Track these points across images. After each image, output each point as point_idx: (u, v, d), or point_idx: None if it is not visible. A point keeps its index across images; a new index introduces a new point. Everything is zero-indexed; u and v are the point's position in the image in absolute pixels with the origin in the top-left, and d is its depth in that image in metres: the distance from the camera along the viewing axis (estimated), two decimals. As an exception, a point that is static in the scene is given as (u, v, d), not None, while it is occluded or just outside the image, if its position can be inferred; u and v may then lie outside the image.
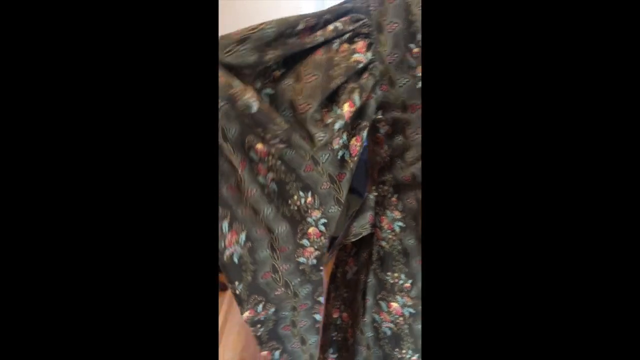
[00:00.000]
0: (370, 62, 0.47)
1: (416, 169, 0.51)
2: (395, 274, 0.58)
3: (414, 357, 0.60)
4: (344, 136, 0.51)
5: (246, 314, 0.55)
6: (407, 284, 0.58)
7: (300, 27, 0.47)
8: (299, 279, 0.56)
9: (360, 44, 0.47)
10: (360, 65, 0.47)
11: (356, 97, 0.47)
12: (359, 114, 0.50)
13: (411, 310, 0.58)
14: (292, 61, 0.49)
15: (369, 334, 0.61)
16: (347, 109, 0.47)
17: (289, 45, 0.47)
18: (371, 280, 0.60)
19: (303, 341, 0.61)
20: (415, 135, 0.49)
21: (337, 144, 0.51)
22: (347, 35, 0.47)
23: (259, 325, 0.57)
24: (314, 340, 0.62)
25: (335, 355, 0.70)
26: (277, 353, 0.60)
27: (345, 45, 0.47)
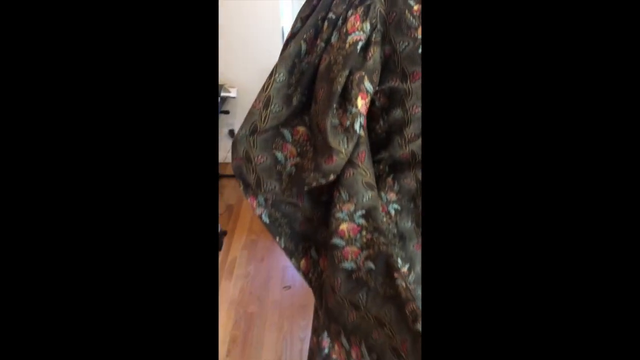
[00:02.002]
0: (372, 31, 0.40)
1: (416, 146, 0.46)
2: (392, 259, 0.54)
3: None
4: None
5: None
6: (404, 269, 0.54)
7: (304, 47, 0.44)
8: (363, 291, 0.46)
9: (353, 19, 0.39)
10: (360, 45, 0.40)
11: (366, 84, 0.41)
12: None
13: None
14: (311, 85, 0.45)
15: None
16: (361, 103, 0.41)
17: (304, 74, 0.44)
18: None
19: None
20: (416, 108, 0.43)
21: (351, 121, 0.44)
22: (341, 18, 0.40)
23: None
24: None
25: None
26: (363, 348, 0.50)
27: (343, 29, 0.40)
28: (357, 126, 0.42)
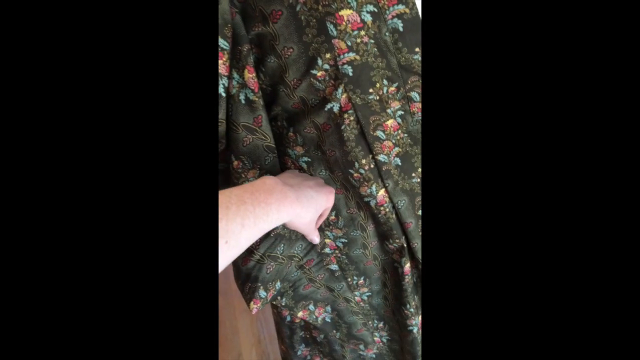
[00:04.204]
0: None
1: (303, 91, 0.43)
2: (318, 211, 0.53)
3: (360, 281, 0.59)
4: (234, 74, 0.41)
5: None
6: (332, 217, 0.54)
7: None
8: (283, 243, 0.49)
9: None
10: None
11: (220, 40, 0.37)
12: (234, 40, 0.39)
13: (343, 240, 0.55)
14: None
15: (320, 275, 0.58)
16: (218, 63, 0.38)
17: None
18: (295, 226, 0.55)
19: (330, 290, 0.58)
20: (288, 50, 0.40)
21: (231, 87, 0.41)
22: None
23: (279, 298, 0.54)
24: (340, 286, 0.59)
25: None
26: (310, 306, 0.58)
27: None
28: (220, 89, 0.39)
